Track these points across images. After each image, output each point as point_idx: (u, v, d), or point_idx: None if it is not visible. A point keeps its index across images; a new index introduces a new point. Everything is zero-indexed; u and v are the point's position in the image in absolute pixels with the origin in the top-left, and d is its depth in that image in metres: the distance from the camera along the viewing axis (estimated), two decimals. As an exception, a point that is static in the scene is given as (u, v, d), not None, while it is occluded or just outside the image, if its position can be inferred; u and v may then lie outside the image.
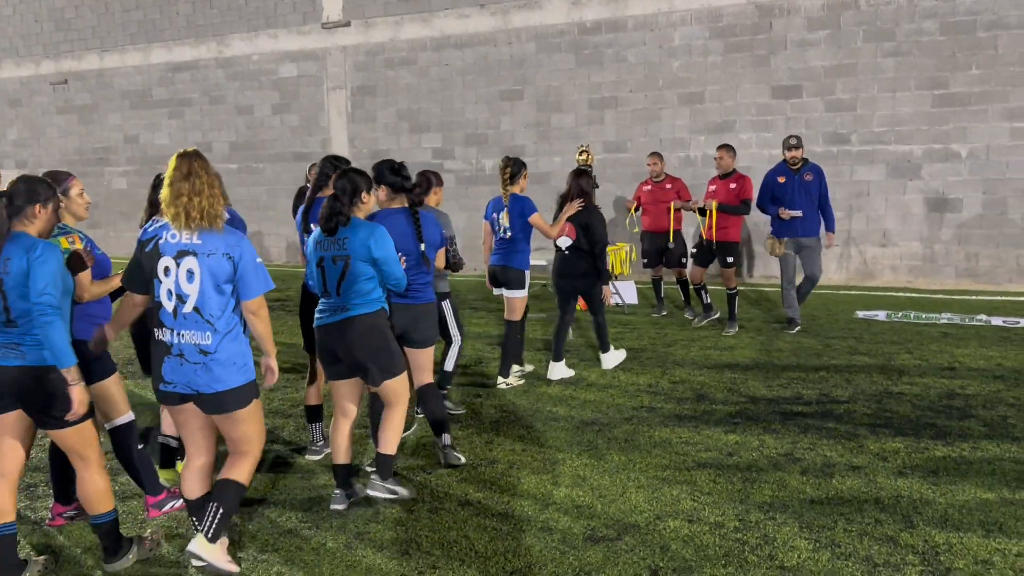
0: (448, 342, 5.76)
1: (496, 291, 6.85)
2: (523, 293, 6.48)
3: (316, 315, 4.34)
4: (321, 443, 5.22)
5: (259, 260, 3.55)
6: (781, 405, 5.93)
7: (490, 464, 4.94)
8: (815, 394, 6.17)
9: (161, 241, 3.46)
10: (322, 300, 4.31)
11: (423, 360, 4.87)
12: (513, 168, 6.34)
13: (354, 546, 3.93)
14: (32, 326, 3.37)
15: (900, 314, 8.96)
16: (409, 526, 4.13)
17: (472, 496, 4.47)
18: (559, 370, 6.80)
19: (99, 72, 16.84)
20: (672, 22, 11.92)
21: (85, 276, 3.83)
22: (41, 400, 3.43)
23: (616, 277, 9.39)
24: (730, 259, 8.34)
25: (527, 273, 6.46)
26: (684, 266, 9.11)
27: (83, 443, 3.56)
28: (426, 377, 4.90)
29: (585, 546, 3.85)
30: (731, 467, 4.77)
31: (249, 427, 3.61)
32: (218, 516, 3.57)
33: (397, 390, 4.35)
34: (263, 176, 15.30)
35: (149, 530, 4.09)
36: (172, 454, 4.73)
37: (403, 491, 4.44)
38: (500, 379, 6.59)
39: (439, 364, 5.73)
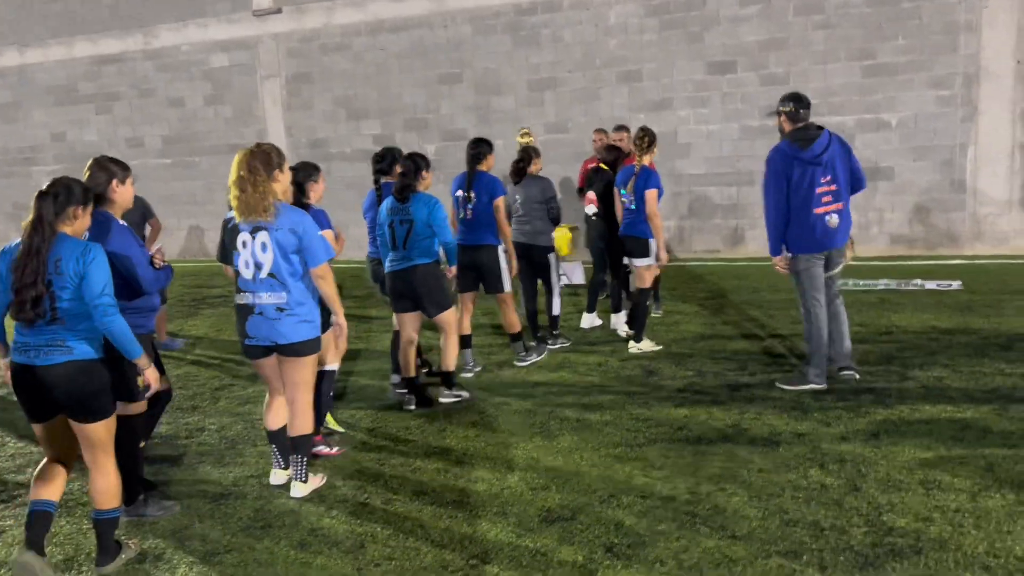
0: (550, 291, 7.01)
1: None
2: (648, 261, 6.85)
3: (387, 264, 5.65)
4: (472, 364, 6.52)
5: (320, 233, 4.22)
6: (728, 377, 6.04)
7: (443, 451, 4.93)
8: (760, 365, 6.30)
9: (239, 221, 4.15)
10: (391, 252, 5.60)
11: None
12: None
13: (308, 543, 3.89)
14: (77, 323, 3.50)
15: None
16: (363, 519, 4.10)
17: (426, 485, 4.46)
18: (588, 319, 7.78)
19: (20, 68, 16.20)
20: (607, 1, 11.94)
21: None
22: (89, 394, 3.54)
23: (562, 259, 9.38)
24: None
25: (650, 241, 6.80)
26: None
27: (108, 437, 3.68)
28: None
29: (541, 528, 3.87)
30: (681, 441, 4.85)
31: (307, 373, 4.33)
32: (303, 464, 4.41)
33: (448, 319, 5.67)
34: (199, 170, 14.93)
35: (126, 538, 3.98)
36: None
37: (465, 393, 5.81)
38: (633, 344, 6.94)
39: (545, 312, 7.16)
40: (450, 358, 5.74)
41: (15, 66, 16.23)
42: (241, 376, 6.91)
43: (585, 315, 7.88)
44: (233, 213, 4.19)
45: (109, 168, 4.06)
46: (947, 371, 5.83)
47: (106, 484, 3.70)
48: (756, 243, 11.38)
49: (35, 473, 3.78)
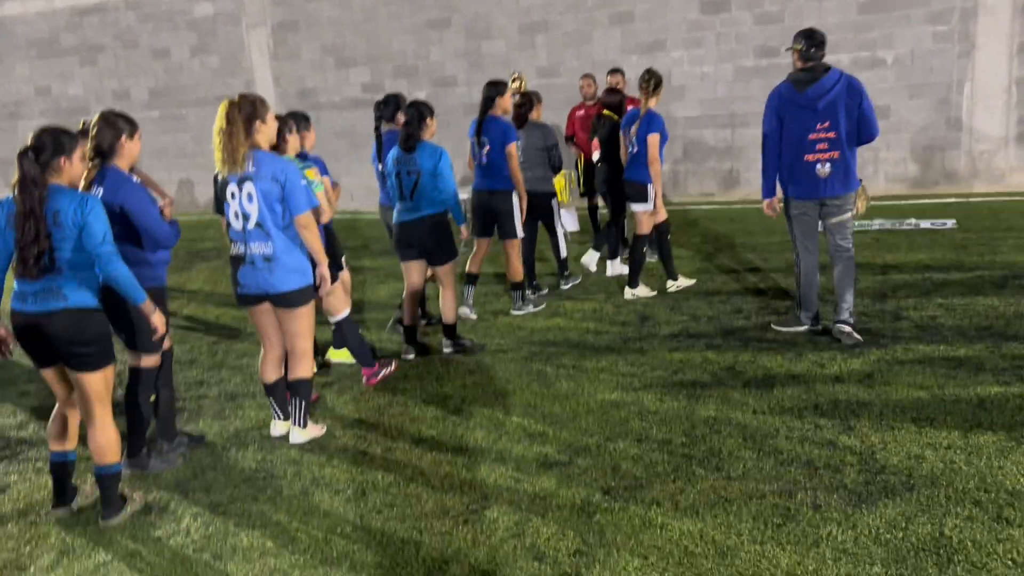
0: (553, 235, 7.16)
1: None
2: (646, 207, 6.80)
3: (395, 214, 5.67)
4: (472, 307, 6.66)
5: (304, 182, 4.26)
6: (722, 321, 6.06)
7: (441, 400, 4.97)
8: (754, 308, 6.32)
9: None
10: (399, 203, 5.62)
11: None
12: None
13: (310, 491, 3.95)
14: (74, 272, 3.56)
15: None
16: (364, 467, 4.15)
17: (425, 433, 4.51)
18: (616, 267, 7.74)
19: (-1, 21, 15.85)
20: (598, -61, 11.65)
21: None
22: (85, 342, 3.59)
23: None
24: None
25: (649, 186, 6.74)
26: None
27: (106, 390, 3.71)
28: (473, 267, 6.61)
29: (539, 472, 3.93)
30: (676, 385, 4.89)
31: (304, 322, 4.40)
32: (302, 408, 4.50)
33: (448, 272, 5.71)
34: (187, 123, 14.74)
35: (129, 491, 4.05)
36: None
37: (467, 342, 5.86)
38: (628, 290, 6.95)
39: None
40: (449, 310, 5.78)
41: (-6, 19, 15.88)
42: (238, 330, 6.92)
43: (610, 263, 7.78)
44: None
45: (116, 124, 4.06)
46: (941, 310, 5.86)
47: (105, 439, 3.74)
48: (750, 186, 11.32)
49: (48, 427, 3.88)
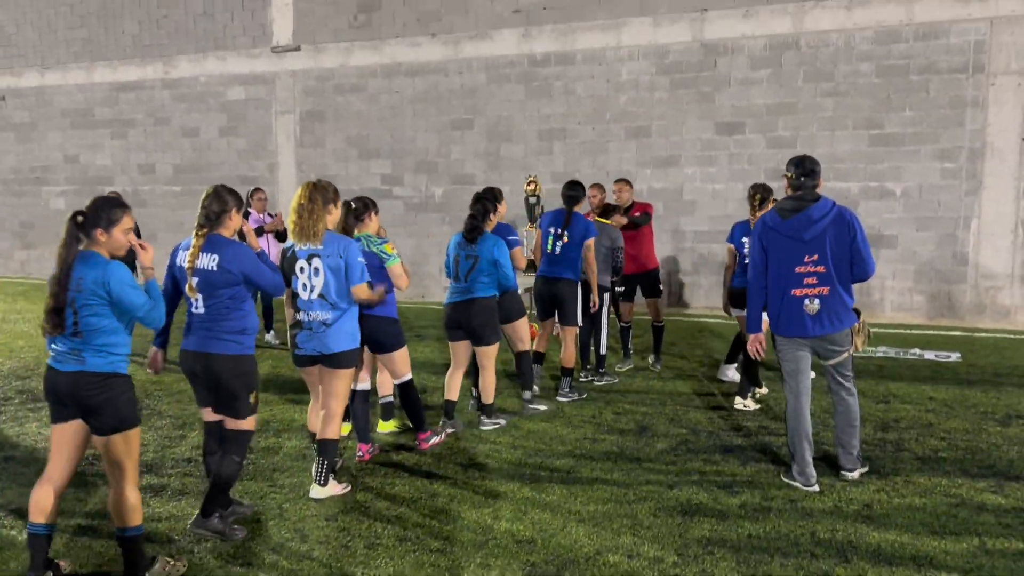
0: (597, 329, 7.53)
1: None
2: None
3: (447, 295, 6.15)
4: (538, 379, 7.15)
5: (361, 259, 4.73)
6: (722, 437, 5.99)
7: (430, 497, 4.87)
8: (755, 426, 6.25)
9: (297, 248, 4.74)
10: (453, 283, 6.10)
11: (515, 332, 6.48)
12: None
13: (287, 584, 3.83)
14: (94, 337, 3.65)
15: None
16: (344, 562, 4.03)
17: (411, 531, 4.40)
18: (728, 372, 7.66)
19: (39, 89, 16.43)
20: (620, 57, 12.14)
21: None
22: (96, 405, 3.66)
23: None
24: (656, 288, 8.43)
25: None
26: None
27: (128, 453, 3.75)
28: (520, 346, 6.53)
29: (524, 582, 3.81)
30: (671, 501, 4.79)
31: (342, 384, 4.84)
32: (324, 467, 4.84)
33: (489, 354, 6.12)
34: (208, 199, 15.02)
35: (170, 558, 4.00)
36: (391, 410, 6.11)
37: (503, 421, 6.22)
38: (739, 399, 6.81)
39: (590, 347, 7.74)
40: (490, 392, 6.20)
41: (35, 87, 16.47)
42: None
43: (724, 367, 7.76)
44: (291, 240, 4.77)
45: (226, 197, 4.35)
46: (943, 444, 5.78)
47: (121, 502, 3.75)
48: (757, 303, 11.36)
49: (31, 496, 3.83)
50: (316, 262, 4.69)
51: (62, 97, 16.26)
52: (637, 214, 8.28)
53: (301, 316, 4.80)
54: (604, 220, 7.74)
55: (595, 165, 12.35)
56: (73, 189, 16.23)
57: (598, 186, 9.08)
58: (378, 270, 5.23)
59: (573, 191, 7.12)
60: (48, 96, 16.39)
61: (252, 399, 4.33)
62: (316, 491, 4.83)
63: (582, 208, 7.31)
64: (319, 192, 4.68)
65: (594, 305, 7.10)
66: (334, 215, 4.84)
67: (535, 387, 6.92)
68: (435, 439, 5.74)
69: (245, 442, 4.40)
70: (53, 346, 3.71)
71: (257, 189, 10.08)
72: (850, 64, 10.97)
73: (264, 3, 14.39)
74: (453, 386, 6.20)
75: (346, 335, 4.76)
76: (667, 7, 11.79)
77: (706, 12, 11.59)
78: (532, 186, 8.77)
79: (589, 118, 12.42)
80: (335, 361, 4.76)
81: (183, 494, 4.93)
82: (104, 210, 3.73)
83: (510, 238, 6.45)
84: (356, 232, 5.28)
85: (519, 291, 6.56)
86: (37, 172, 16.63)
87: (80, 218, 3.67)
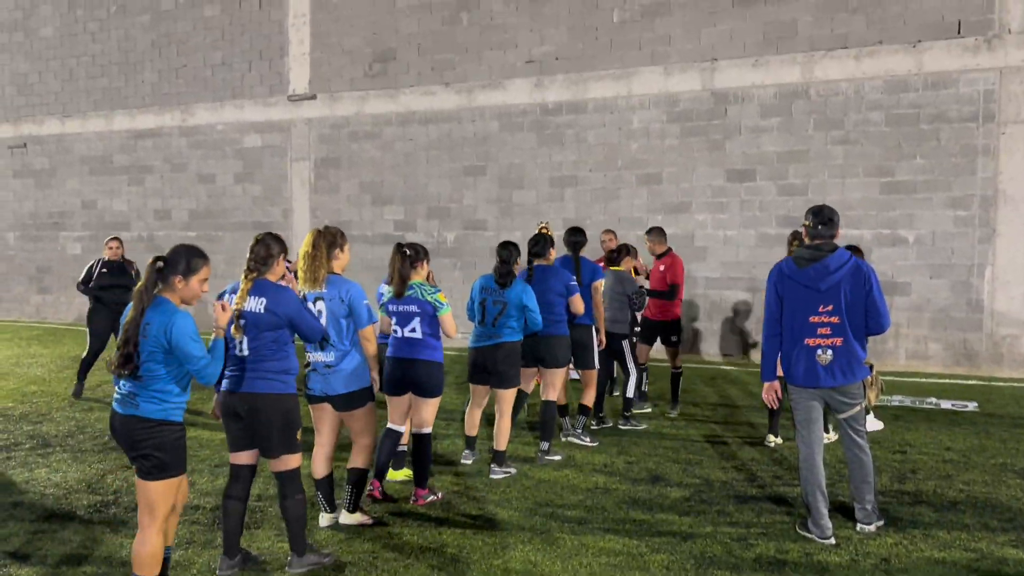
0: (626, 373, 7.55)
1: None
2: None
3: (472, 339, 6.17)
4: (569, 428, 7.24)
5: (366, 301, 4.83)
6: (735, 488, 5.89)
7: (439, 548, 4.80)
8: (768, 477, 6.15)
9: (306, 292, 4.82)
10: (478, 327, 6.14)
11: (554, 378, 6.60)
12: None
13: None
14: (150, 383, 3.73)
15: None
16: (352, 614, 3.96)
17: (419, 582, 4.33)
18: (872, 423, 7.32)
19: (59, 137, 16.76)
20: (631, 106, 12.27)
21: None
22: (143, 450, 3.75)
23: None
24: (674, 338, 8.36)
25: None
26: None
27: (162, 500, 3.80)
28: (552, 394, 6.60)
29: (533, 637, 3.72)
30: (684, 553, 4.70)
31: (362, 422, 4.98)
32: (354, 493, 5.04)
33: (509, 399, 6.17)
34: (222, 244, 15.18)
35: None
36: (402, 459, 6.06)
37: (512, 470, 6.18)
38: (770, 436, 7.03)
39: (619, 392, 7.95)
40: (503, 439, 6.17)
41: (55, 135, 16.80)
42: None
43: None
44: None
45: (272, 245, 4.40)
46: (962, 496, 5.67)
47: (144, 549, 3.78)
48: (770, 350, 11.29)
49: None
50: (320, 304, 4.82)
51: (81, 144, 16.57)
52: (662, 267, 8.31)
53: (309, 357, 4.93)
54: (617, 268, 7.77)
55: (606, 212, 12.41)
56: (89, 235, 16.43)
57: (610, 231, 9.14)
58: (431, 318, 5.41)
59: (576, 236, 7.22)
60: (68, 143, 16.70)
61: (297, 437, 4.36)
62: (345, 516, 5.04)
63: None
64: (323, 238, 4.86)
65: (601, 344, 7.11)
66: (341, 259, 4.97)
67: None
68: (431, 498, 5.61)
69: (298, 477, 4.40)
70: (118, 387, 3.82)
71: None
72: (860, 113, 11.04)
73: (281, 53, 14.69)
74: (473, 423, 6.43)
75: (352, 376, 4.87)
76: (677, 56, 11.95)
77: (716, 61, 11.74)
78: (544, 231, 8.80)
79: (600, 165, 12.52)
80: (346, 403, 4.88)
81: (190, 543, 4.88)
82: (184, 257, 3.82)
83: (570, 284, 6.58)
84: (412, 279, 5.44)
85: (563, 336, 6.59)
86: (55, 217, 16.87)
87: (160, 264, 3.75)
